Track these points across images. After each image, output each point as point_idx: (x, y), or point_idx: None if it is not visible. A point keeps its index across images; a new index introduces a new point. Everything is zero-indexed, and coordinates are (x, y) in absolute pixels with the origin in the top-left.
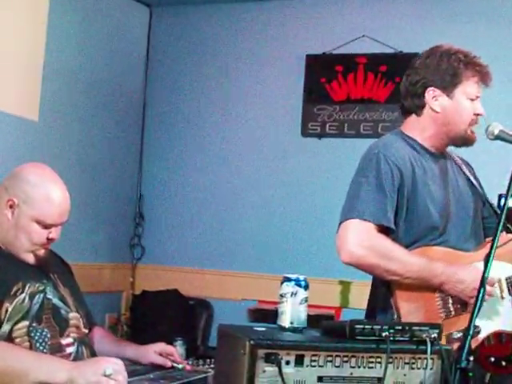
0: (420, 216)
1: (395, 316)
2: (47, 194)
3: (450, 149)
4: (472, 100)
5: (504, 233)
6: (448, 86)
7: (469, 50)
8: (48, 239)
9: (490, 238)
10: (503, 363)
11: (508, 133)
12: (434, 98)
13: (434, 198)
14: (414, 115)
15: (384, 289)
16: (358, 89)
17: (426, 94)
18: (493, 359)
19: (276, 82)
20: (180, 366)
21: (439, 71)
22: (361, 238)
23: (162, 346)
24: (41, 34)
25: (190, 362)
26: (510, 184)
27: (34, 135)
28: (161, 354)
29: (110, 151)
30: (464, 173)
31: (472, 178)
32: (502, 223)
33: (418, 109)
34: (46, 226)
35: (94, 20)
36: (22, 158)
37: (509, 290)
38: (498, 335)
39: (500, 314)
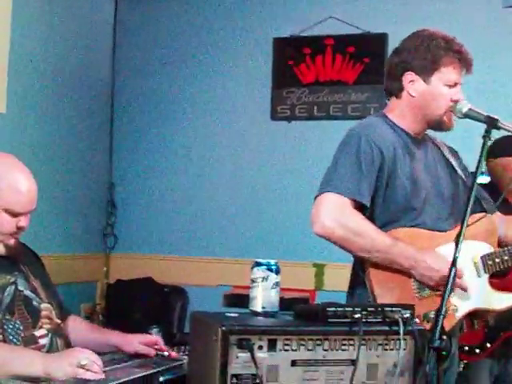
0: (398, 196)
1: (370, 297)
2: (14, 183)
3: (434, 134)
4: (450, 86)
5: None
6: (425, 71)
7: (449, 34)
8: (18, 228)
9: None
10: (477, 351)
11: (477, 111)
12: (411, 83)
13: (413, 180)
14: (394, 98)
15: (360, 267)
16: (327, 71)
17: (403, 78)
18: (467, 348)
19: (244, 67)
20: (165, 354)
21: (418, 55)
22: (334, 212)
23: (146, 337)
24: (5, 25)
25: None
26: (478, 164)
27: (1, 127)
28: (146, 345)
29: (80, 140)
30: (447, 158)
31: (455, 164)
32: (471, 201)
33: (397, 91)
34: (15, 215)
35: (59, 8)
36: None
37: (484, 268)
38: (470, 323)
39: (476, 293)
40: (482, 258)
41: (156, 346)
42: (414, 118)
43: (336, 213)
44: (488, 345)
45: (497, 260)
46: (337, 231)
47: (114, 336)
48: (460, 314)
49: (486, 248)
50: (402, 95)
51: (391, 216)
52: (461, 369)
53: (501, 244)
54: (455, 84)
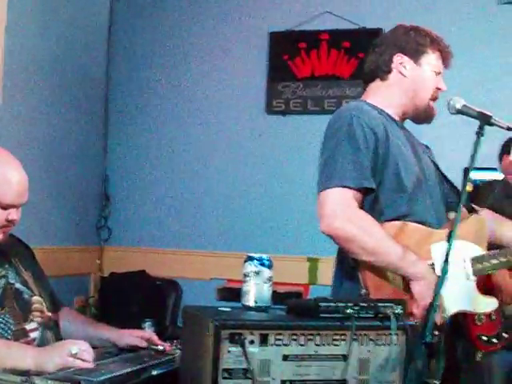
0: (392, 177)
1: (363, 290)
2: (3, 175)
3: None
4: (436, 73)
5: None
6: (415, 53)
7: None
8: (8, 221)
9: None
10: (494, 340)
11: (469, 107)
12: (402, 64)
13: (406, 162)
14: (378, 80)
15: (351, 262)
16: (322, 65)
17: (394, 59)
18: (485, 338)
19: (239, 60)
20: (160, 348)
21: (407, 40)
22: (341, 208)
23: (140, 333)
24: (0, 19)
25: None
26: (471, 160)
27: None
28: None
29: (74, 132)
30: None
31: (429, 155)
32: (463, 198)
33: (384, 73)
34: (4, 207)
35: (55, 2)
36: None
37: (473, 271)
38: (488, 314)
39: (464, 295)
40: (471, 260)
41: (150, 342)
42: (400, 100)
43: (343, 210)
44: (504, 335)
45: (485, 263)
46: (344, 229)
47: (108, 330)
48: (447, 315)
49: (477, 250)
50: (388, 77)
51: (385, 200)
52: (478, 359)
53: (491, 243)
54: (439, 72)
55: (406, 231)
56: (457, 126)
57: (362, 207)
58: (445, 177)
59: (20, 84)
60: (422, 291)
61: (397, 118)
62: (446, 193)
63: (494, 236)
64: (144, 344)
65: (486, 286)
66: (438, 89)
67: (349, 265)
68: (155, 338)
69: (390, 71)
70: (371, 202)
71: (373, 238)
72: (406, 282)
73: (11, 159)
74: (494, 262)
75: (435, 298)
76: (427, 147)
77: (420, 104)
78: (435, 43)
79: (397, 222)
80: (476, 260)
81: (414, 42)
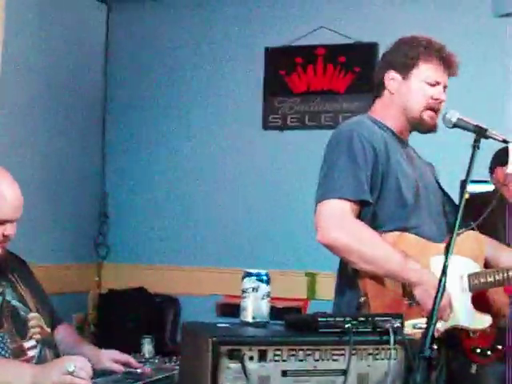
0: (392, 191)
1: (362, 298)
2: None
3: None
4: (431, 85)
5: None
6: (405, 67)
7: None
8: (4, 236)
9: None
10: (488, 353)
11: (466, 121)
12: (390, 81)
13: (405, 176)
14: (377, 99)
15: (351, 270)
16: (318, 80)
17: (385, 76)
18: (479, 350)
19: (236, 76)
20: (138, 371)
21: (399, 54)
22: (338, 219)
23: (116, 355)
24: None
25: (148, 366)
26: (468, 172)
27: None
28: (116, 362)
29: (72, 148)
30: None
31: (432, 172)
32: (461, 211)
33: (379, 91)
34: (1, 223)
35: (52, 16)
36: None
37: (469, 286)
38: None
39: (459, 310)
40: (468, 276)
41: (127, 366)
42: (395, 116)
43: (341, 220)
44: (499, 346)
45: (482, 280)
46: (343, 239)
47: (88, 350)
48: (443, 328)
49: (474, 267)
50: (383, 94)
51: (385, 214)
52: (473, 371)
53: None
54: (437, 83)
55: (404, 242)
56: (453, 137)
57: (359, 220)
58: (447, 196)
59: (17, 102)
60: (424, 295)
61: (398, 133)
62: (448, 211)
63: (492, 262)
64: (120, 368)
65: (483, 302)
66: (436, 99)
67: (349, 273)
68: (132, 361)
69: (383, 88)
70: (371, 215)
71: (370, 246)
72: (406, 288)
73: (4, 174)
74: (491, 279)
75: (433, 312)
76: (430, 164)
77: (412, 116)
78: (431, 51)
79: (395, 233)
80: (473, 276)
81: (403, 56)
